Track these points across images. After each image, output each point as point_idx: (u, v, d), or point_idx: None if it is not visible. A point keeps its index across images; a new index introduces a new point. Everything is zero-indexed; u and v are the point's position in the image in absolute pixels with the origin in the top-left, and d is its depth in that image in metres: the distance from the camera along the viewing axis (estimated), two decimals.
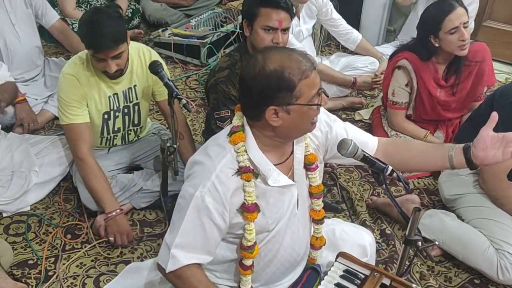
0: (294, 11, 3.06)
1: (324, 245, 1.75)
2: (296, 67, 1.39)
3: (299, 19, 3.22)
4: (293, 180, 1.57)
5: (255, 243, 1.54)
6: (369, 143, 1.73)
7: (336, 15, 3.43)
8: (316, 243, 1.74)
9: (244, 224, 1.52)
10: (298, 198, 1.61)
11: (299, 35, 3.22)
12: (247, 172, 1.47)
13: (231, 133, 1.50)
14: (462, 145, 1.61)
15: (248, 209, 1.48)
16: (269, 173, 1.49)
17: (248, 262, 1.58)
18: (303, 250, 1.70)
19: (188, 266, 1.51)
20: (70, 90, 2.25)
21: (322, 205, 1.69)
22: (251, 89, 1.41)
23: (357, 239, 1.88)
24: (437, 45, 2.60)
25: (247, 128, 1.50)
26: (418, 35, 2.71)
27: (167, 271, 1.51)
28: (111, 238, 2.26)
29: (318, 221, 1.71)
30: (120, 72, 2.25)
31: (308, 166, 1.62)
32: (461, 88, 2.72)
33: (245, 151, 1.47)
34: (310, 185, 1.65)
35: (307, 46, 3.32)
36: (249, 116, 1.49)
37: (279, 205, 1.56)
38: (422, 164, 1.74)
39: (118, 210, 2.27)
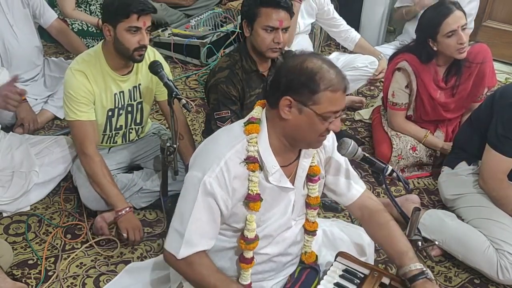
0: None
1: (314, 261, 1.76)
2: (329, 77, 1.42)
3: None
4: (292, 185, 1.60)
5: (256, 236, 1.57)
6: (351, 191, 1.75)
7: (337, 15, 3.43)
8: (305, 259, 1.75)
9: (245, 215, 1.54)
10: (294, 205, 1.63)
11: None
12: (254, 162, 1.51)
13: (248, 122, 1.54)
14: (415, 273, 1.55)
15: (254, 199, 1.52)
16: (273, 170, 1.53)
17: (249, 255, 1.59)
18: (294, 252, 1.72)
19: (199, 253, 1.53)
20: (79, 86, 2.25)
21: (317, 217, 1.72)
22: (282, 77, 1.46)
23: (355, 239, 1.89)
24: (435, 48, 2.60)
25: (264, 122, 1.54)
26: (417, 38, 2.70)
27: (179, 257, 1.52)
28: (124, 235, 2.27)
29: (310, 233, 1.72)
30: (143, 57, 2.26)
31: (311, 177, 1.65)
32: (461, 89, 2.71)
33: (257, 142, 1.51)
34: (308, 196, 1.67)
35: (302, 43, 3.30)
36: (269, 101, 1.52)
37: (274, 205, 1.59)
38: (383, 246, 1.72)
39: (127, 208, 2.29)
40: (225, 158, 1.48)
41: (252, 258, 1.61)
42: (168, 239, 1.57)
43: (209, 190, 1.48)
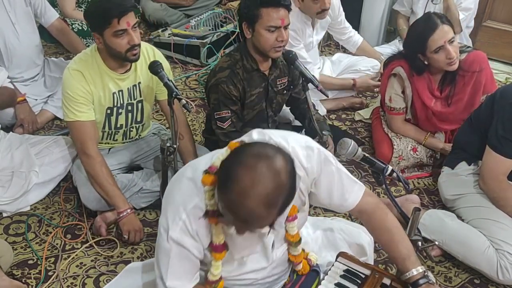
0: (311, 23, 3.02)
1: (306, 258, 1.73)
2: (233, 211, 1.29)
3: (313, 30, 3.19)
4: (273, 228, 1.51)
5: (220, 277, 1.55)
6: (347, 201, 1.64)
7: (347, 23, 3.43)
8: (299, 272, 1.72)
9: (210, 260, 1.52)
10: (273, 243, 1.59)
11: (310, 46, 3.20)
12: (213, 216, 1.43)
13: (206, 172, 1.43)
14: (417, 278, 1.56)
15: (216, 249, 1.49)
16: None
17: None
18: (281, 270, 1.69)
19: None
20: (77, 86, 2.24)
21: (300, 250, 1.66)
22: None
23: (355, 239, 1.88)
24: (426, 62, 2.58)
25: None
26: (407, 53, 2.68)
27: None
28: (125, 236, 2.28)
29: (295, 263, 1.68)
30: (138, 55, 2.24)
31: (287, 217, 1.57)
32: (457, 99, 2.67)
33: (213, 195, 1.40)
34: (287, 233, 1.60)
35: (313, 55, 3.30)
36: None
37: (247, 246, 1.55)
38: (385, 249, 1.71)
39: (129, 210, 2.30)
40: (187, 211, 1.44)
41: None
42: (157, 286, 1.56)
43: (177, 241, 1.45)
